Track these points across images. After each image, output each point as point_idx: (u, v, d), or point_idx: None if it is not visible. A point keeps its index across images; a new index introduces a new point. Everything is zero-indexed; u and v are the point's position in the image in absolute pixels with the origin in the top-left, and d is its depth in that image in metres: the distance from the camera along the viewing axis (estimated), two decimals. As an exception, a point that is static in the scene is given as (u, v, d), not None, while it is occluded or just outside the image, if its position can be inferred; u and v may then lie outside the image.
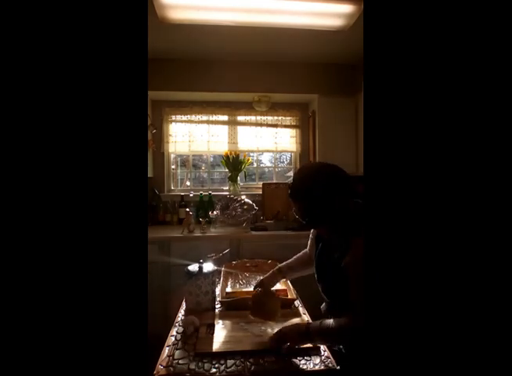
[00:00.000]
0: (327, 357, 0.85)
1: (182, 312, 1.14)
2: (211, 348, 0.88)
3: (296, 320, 1.05)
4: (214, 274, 1.20)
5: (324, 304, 1.10)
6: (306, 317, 1.08)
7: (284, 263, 1.20)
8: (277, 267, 1.19)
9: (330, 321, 0.83)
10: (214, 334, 0.96)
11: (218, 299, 1.19)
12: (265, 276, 1.19)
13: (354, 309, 0.80)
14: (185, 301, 1.18)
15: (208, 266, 1.19)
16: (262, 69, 2.48)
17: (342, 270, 0.84)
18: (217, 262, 1.54)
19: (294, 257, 1.22)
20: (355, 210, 0.88)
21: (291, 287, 1.26)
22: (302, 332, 0.85)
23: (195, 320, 1.00)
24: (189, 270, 1.16)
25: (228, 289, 1.31)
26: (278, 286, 1.29)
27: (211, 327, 0.99)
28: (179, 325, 1.01)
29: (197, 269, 1.16)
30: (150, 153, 2.52)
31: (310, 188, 0.86)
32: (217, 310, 1.14)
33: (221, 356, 0.85)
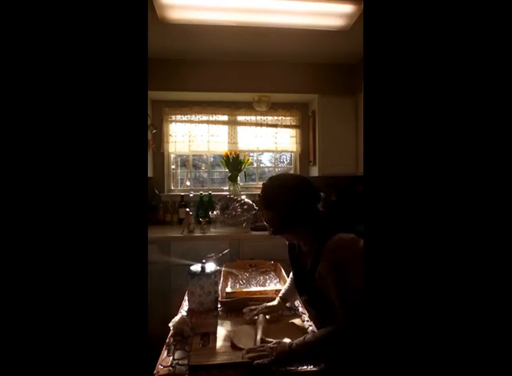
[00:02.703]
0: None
1: (182, 312, 1.14)
2: (207, 361, 0.83)
3: (296, 321, 1.06)
4: (217, 274, 1.19)
5: (309, 315, 1.10)
6: (305, 317, 1.08)
7: (283, 290, 1.16)
8: (279, 296, 1.14)
9: (315, 334, 0.86)
10: (210, 345, 0.91)
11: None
12: (271, 304, 1.11)
13: (339, 316, 0.81)
14: (188, 301, 1.17)
15: (210, 266, 1.19)
16: (262, 69, 2.48)
17: (317, 281, 0.86)
18: (217, 262, 1.54)
19: (289, 280, 1.18)
20: (320, 217, 0.92)
21: None
22: (286, 350, 0.82)
23: (185, 319, 0.99)
24: (191, 270, 1.15)
25: (228, 289, 1.31)
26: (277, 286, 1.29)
27: (205, 337, 0.95)
28: (172, 330, 0.97)
29: (200, 269, 1.15)
30: (150, 153, 2.52)
31: (279, 196, 0.90)
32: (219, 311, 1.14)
33: (218, 368, 0.81)
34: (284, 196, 0.89)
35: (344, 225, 0.88)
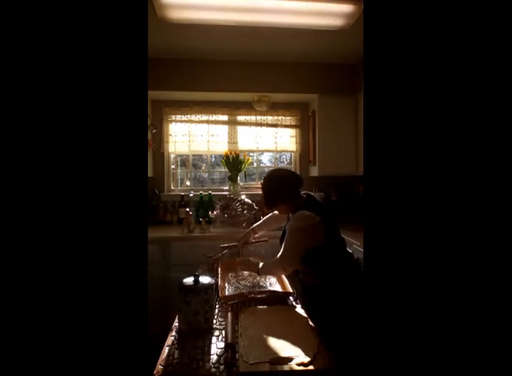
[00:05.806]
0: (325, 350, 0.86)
1: (174, 330, 1.01)
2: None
3: (295, 310, 1.13)
4: (208, 291, 1.01)
5: None
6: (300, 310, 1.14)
7: (256, 223, 1.69)
8: (251, 227, 1.68)
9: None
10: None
11: (217, 299, 1.19)
12: (244, 234, 1.66)
13: (278, 255, 1.27)
14: (177, 319, 1.04)
15: (204, 280, 1.04)
16: (262, 69, 2.48)
17: (285, 236, 1.28)
18: (216, 263, 1.54)
19: (263, 219, 1.68)
20: (299, 198, 1.31)
21: (287, 282, 1.33)
22: (256, 269, 1.34)
23: None
24: (180, 283, 1.03)
25: (227, 289, 1.31)
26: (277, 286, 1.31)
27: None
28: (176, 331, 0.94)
29: (192, 282, 1.02)
30: (150, 153, 2.52)
31: (270, 182, 1.35)
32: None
33: None
34: (272, 181, 1.34)
35: (312, 207, 1.24)
